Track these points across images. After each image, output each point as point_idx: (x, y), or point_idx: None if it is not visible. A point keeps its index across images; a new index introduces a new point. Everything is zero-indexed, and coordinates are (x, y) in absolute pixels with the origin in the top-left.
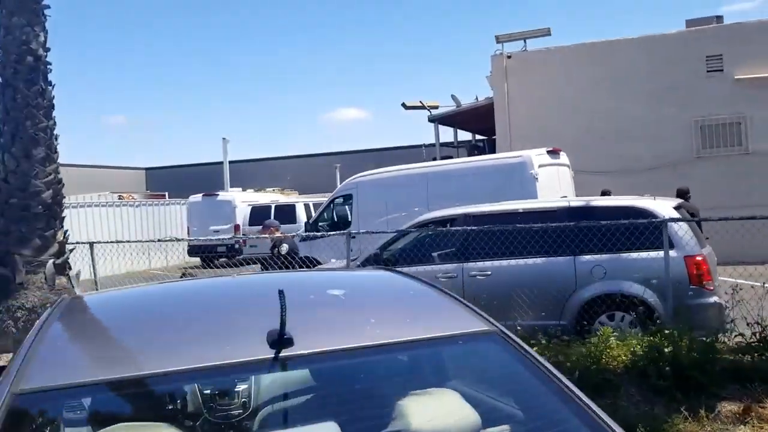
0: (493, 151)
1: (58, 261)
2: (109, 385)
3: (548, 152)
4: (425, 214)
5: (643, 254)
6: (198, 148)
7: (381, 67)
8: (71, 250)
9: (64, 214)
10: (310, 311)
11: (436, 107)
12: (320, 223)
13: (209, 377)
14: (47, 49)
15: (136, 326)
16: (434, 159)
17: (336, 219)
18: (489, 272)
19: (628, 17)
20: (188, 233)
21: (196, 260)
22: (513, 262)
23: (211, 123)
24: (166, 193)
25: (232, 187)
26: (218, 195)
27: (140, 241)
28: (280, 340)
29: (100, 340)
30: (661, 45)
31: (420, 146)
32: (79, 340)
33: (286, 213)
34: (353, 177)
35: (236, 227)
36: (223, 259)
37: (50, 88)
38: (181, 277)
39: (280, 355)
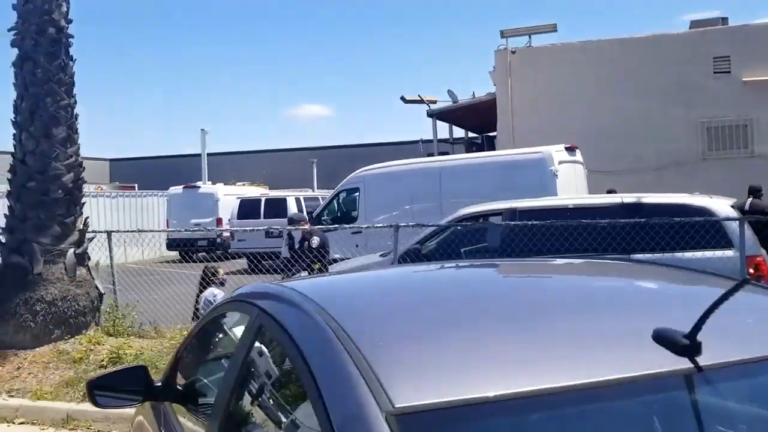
0: (491, 148)
1: (78, 250)
2: (520, 402)
3: (566, 149)
4: (466, 208)
5: (698, 254)
6: (165, 140)
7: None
8: (91, 239)
9: (83, 200)
10: (671, 310)
11: (435, 102)
12: (323, 217)
13: (616, 396)
14: (69, 21)
15: (469, 327)
16: (429, 155)
17: (341, 213)
18: None
19: (633, 16)
20: (167, 226)
21: (174, 255)
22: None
23: (178, 115)
24: (135, 185)
25: (199, 180)
26: (200, 187)
27: (163, 231)
28: (691, 346)
29: (444, 343)
30: (668, 45)
31: (416, 142)
32: (405, 341)
33: (277, 207)
34: (360, 170)
35: (218, 221)
36: (202, 254)
37: (71, 63)
38: (206, 273)
39: (703, 364)
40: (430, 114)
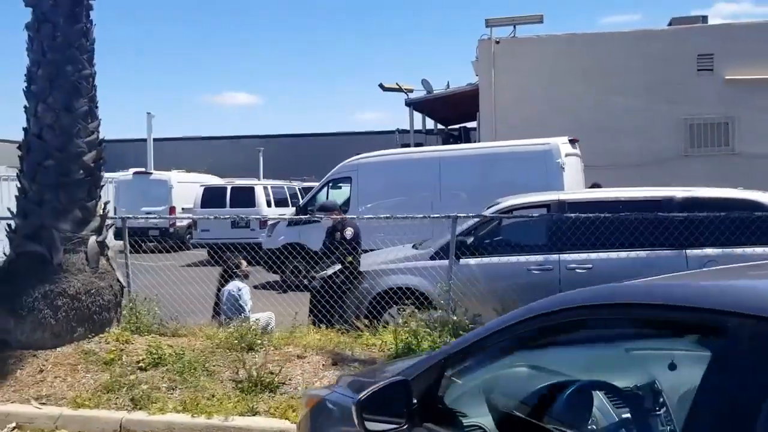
0: (469, 140)
1: (99, 238)
2: None
3: (570, 141)
4: (508, 200)
5: (758, 250)
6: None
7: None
8: (111, 226)
9: (103, 182)
10: None
11: (412, 91)
12: (310, 208)
13: None
14: None
15: None
16: (404, 146)
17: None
18: (590, 265)
19: (619, 12)
20: (114, 214)
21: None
22: (617, 254)
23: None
24: None
25: (142, 166)
26: (152, 174)
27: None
28: None
29: None
30: (653, 41)
31: (393, 132)
32: None
33: (245, 196)
34: (353, 158)
35: (172, 209)
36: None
37: (93, 28)
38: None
39: None
40: (408, 103)
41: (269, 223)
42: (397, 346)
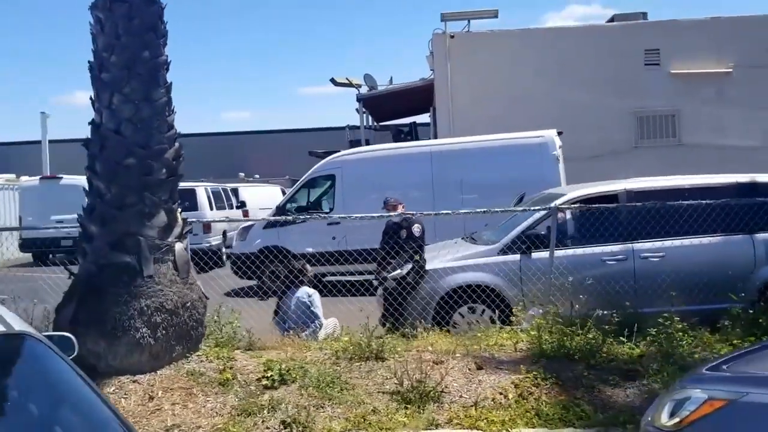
0: (418, 136)
1: (183, 244)
2: None
3: (558, 134)
4: (573, 191)
5: None
6: None
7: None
8: (189, 231)
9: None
10: None
11: (360, 86)
12: (288, 207)
13: None
14: None
15: None
16: (353, 143)
17: (312, 203)
18: (663, 253)
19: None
20: (20, 223)
21: (24, 257)
22: (688, 241)
23: None
24: None
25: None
26: (62, 178)
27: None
28: None
29: None
30: (603, 36)
31: (343, 128)
32: None
33: (185, 198)
34: (336, 155)
35: None
36: (61, 255)
37: (163, 10)
38: None
39: None
40: (360, 98)
41: (242, 226)
42: (542, 345)
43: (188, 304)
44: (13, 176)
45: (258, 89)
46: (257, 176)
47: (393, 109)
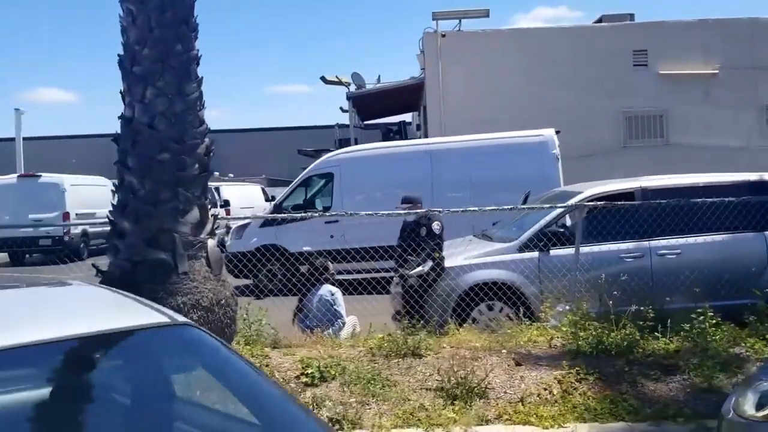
0: (407, 134)
1: (215, 241)
2: None
3: (556, 133)
4: (589, 189)
5: None
6: None
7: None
8: (217, 227)
9: None
10: None
11: (349, 84)
12: (285, 205)
13: None
14: None
15: None
16: (342, 141)
17: (309, 201)
18: (679, 251)
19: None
20: None
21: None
22: (702, 239)
23: None
24: None
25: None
26: (40, 176)
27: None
28: None
29: None
30: (592, 37)
31: (333, 126)
32: None
33: None
34: (334, 153)
35: (65, 215)
36: (37, 255)
37: (194, 2)
38: None
39: None
40: (350, 97)
41: (237, 224)
42: (578, 341)
43: (222, 302)
44: None
45: (226, 88)
46: (231, 175)
47: (380, 107)
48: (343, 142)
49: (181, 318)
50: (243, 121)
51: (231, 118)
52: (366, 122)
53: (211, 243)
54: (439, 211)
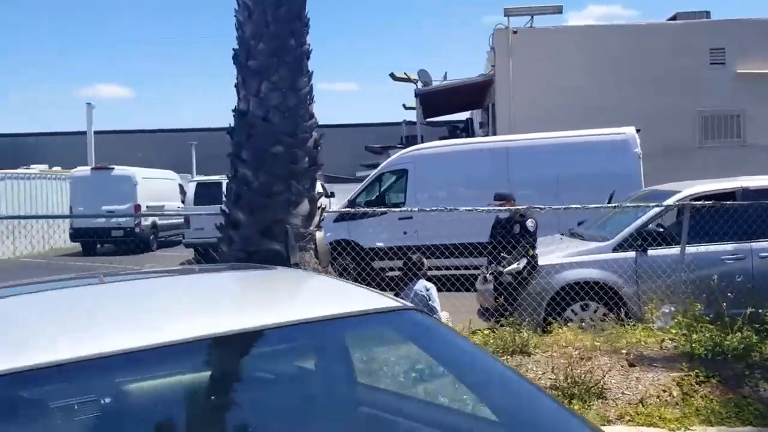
0: (473, 132)
1: (321, 233)
2: None
3: (636, 131)
4: (688, 188)
5: None
6: None
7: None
8: (323, 219)
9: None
10: None
11: (417, 81)
12: (359, 201)
13: None
14: None
15: None
16: (409, 138)
17: (382, 197)
18: None
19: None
20: (70, 213)
21: (71, 246)
22: None
23: None
24: None
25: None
26: (113, 169)
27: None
28: None
29: None
30: (666, 34)
31: (398, 123)
32: None
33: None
34: (408, 149)
35: (137, 207)
36: (108, 245)
37: None
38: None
39: None
40: (418, 93)
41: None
42: (692, 343)
43: None
44: (45, 167)
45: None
46: None
47: (443, 105)
48: (410, 140)
49: (401, 302)
50: None
51: None
52: (428, 119)
53: (319, 235)
54: (541, 209)
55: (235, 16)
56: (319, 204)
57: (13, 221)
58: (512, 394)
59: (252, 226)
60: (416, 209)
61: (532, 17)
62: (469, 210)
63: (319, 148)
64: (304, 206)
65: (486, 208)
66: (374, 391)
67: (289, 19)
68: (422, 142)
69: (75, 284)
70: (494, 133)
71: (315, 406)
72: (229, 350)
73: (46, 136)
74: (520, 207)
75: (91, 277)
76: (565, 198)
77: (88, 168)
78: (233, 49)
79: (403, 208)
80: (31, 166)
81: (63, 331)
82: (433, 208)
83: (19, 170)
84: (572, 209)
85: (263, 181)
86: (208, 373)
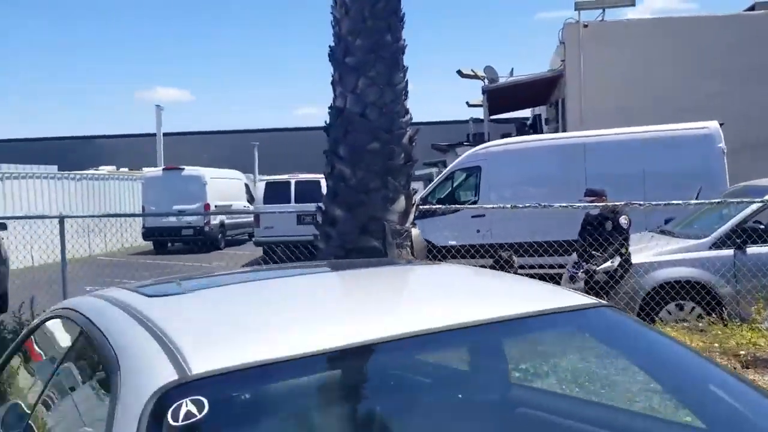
0: (541, 130)
1: (417, 230)
2: None
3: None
4: None
5: None
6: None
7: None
8: (416, 216)
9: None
10: None
11: (484, 78)
12: (430, 199)
13: None
14: None
15: None
16: (476, 136)
17: (452, 195)
18: None
19: None
20: (142, 212)
21: (143, 245)
22: None
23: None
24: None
25: (104, 164)
26: (184, 169)
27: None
28: None
29: None
30: (745, 25)
31: (466, 121)
32: None
33: (309, 190)
34: (481, 146)
35: (206, 206)
36: (177, 244)
37: None
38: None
39: None
40: (485, 90)
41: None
42: None
43: None
44: (113, 168)
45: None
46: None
47: (508, 102)
48: (477, 137)
49: (596, 299)
50: None
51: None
52: (491, 117)
53: (415, 232)
54: (641, 205)
55: (331, 13)
56: (413, 201)
57: (87, 220)
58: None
59: (350, 222)
60: (509, 206)
61: (604, 10)
62: (563, 206)
63: (414, 144)
64: (401, 203)
65: (581, 204)
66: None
67: (386, 14)
68: (489, 139)
69: (259, 277)
70: (563, 130)
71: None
72: (447, 344)
73: (112, 138)
74: (618, 203)
75: (267, 270)
76: (646, 195)
77: (160, 168)
78: (329, 46)
79: (491, 205)
80: (100, 168)
81: (292, 321)
82: (527, 204)
83: (89, 171)
84: (672, 206)
85: (360, 178)
86: (429, 367)
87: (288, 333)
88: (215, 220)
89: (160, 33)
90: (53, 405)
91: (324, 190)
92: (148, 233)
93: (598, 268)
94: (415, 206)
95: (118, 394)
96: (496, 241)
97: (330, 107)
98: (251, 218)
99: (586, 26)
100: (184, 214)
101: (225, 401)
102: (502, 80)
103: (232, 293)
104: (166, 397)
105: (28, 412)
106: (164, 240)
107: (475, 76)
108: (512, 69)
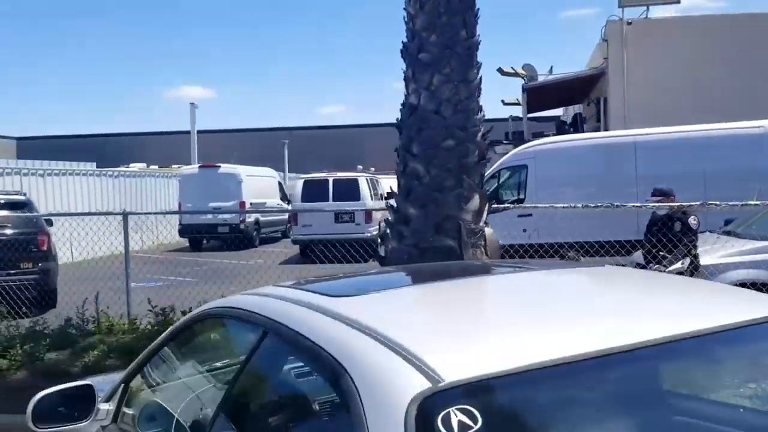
0: (582, 129)
1: (491, 229)
2: None
3: None
4: None
5: None
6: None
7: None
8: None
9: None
10: None
11: (525, 76)
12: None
13: None
14: None
15: None
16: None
17: (500, 194)
18: None
19: None
20: (179, 209)
21: (178, 242)
22: None
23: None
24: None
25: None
26: (219, 167)
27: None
28: None
29: None
30: None
31: (505, 120)
32: None
33: (347, 188)
34: (528, 145)
35: (242, 204)
36: (213, 241)
37: None
38: None
39: None
40: (525, 88)
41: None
42: None
43: None
44: (144, 165)
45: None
46: (372, 169)
47: (546, 100)
48: (516, 135)
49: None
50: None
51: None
52: (528, 115)
53: (489, 231)
54: (717, 205)
55: (405, 8)
56: (486, 199)
57: (119, 217)
58: None
59: (423, 221)
60: (580, 205)
61: (648, 8)
62: (637, 206)
63: (487, 141)
64: (475, 201)
65: (651, 204)
66: None
67: (461, 9)
68: (529, 138)
69: (423, 280)
70: (604, 128)
71: None
72: (687, 353)
73: (141, 135)
74: (692, 204)
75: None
76: (701, 195)
77: (196, 166)
78: (402, 42)
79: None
80: (131, 165)
81: (529, 324)
82: (599, 204)
83: (120, 168)
84: (750, 206)
85: (434, 176)
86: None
87: (532, 337)
88: (250, 218)
89: (186, 32)
90: (240, 406)
91: (363, 188)
92: (184, 230)
93: (667, 270)
94: (488, 205)
95: (358, 401)
96: (543, 240)
97: (402, 104)
98: (284, 216)
99: (629, 23)
100: (220, 212)
101: (491, 411)
102: (541, 78)
103: (424, 295)
104: (429, 405)
105: (201, 412)
106: (200, 237)
107: (516, 74)
108: (551, 67)
